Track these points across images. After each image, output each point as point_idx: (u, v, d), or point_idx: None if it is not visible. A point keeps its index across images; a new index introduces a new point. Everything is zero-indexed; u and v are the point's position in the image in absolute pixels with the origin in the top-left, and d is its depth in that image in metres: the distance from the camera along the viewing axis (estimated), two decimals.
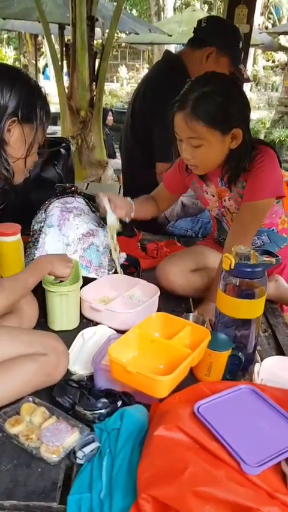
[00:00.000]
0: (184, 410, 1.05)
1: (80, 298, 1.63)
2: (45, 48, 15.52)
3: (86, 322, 1.66)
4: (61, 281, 1.52)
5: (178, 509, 0.84)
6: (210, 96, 1.50)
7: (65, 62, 5.45)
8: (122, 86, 16.78)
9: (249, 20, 3.06)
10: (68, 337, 1.52)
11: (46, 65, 16.28)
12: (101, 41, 5.84)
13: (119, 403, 1.18)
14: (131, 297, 1.72)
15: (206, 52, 2.24)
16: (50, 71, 13.60)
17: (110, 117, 7.37)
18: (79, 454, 1.05)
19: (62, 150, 2.44)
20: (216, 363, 1.31)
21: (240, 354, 1.33)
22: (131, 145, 2.46)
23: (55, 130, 6.18)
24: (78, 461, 1.05)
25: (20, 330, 1.31)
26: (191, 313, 1.57)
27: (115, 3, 5.51)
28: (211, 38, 2.23)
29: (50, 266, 1.42)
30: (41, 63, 16.29)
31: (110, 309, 1.59)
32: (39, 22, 5.53)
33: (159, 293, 1.68)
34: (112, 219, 1.79)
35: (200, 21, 2.32)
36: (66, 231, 1.83)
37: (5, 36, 18.78)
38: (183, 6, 18.76)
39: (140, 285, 1.76)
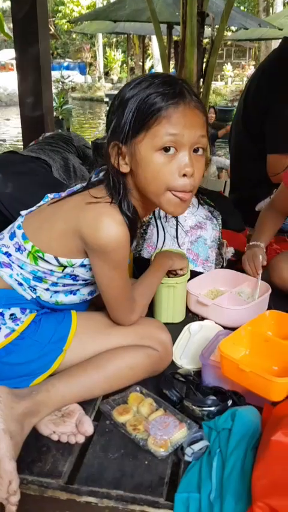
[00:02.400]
0: None
1: (187, 291, 1.59)
2: (151, 50, 15.79)
3: (191, 316, 1.61)
4: (177, 274, 1.51)
5: None
6: None
7: (171, 61, 5.46)
8: (226, 84, 16.54)
9: None
10: (172, 330, 1.49)
11: (152, 66, 16.56)
12: (208, 39, 5.76)
13: (229, 402, 1.11)
14: (239, 293, 1.65)
15: None
16: (157, 71, 13.80)
17: (212, 115, 7.23)
18: (188, 451, 1.00)
19: None
20: None
21: None
22: (241, 137, 2.37)
23: None
24: (187, 458, 1.01)
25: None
26: None
27: None
28: None
29: (171, 261, 1.44)
30: (147, 65, 16.60)
31: (217, 304, 1.54)
32: (150, 22, 5.59)
33: (270, 291, 1.59)
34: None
35: None
36: (175, 223, 1.79)
37: (114, 40, 19.42)
38: None
39: (249, 282, 1.68)
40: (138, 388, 1.19)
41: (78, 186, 1.17)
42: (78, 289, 1.22)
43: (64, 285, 1.18)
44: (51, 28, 15.35)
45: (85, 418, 1.08)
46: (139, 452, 1.04)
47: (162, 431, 1.04)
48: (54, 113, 6.64)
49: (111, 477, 0.98)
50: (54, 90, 9.39)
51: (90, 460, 1.02)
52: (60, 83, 11.53)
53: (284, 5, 17.47)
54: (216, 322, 1.52)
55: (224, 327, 1.47)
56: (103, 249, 1.05)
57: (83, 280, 1.18)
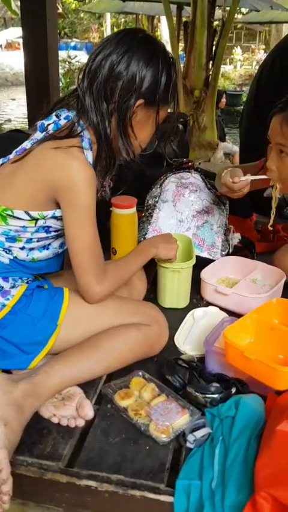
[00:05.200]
0: None
1: (202, 280, 1.57)
2: (160, 31, 15.53)
3: (196, 302, 1.59)
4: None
5: None
6: None
7: (180, 44, 5.36)
8: (235, 68, 16.30)
9: None
10: (176, 315, 1.48)
11: None
12: (219, 21, 5.66)
13: (233, 389, 1.10)
14: (254, 280, 1.62)
15: None
16: None
17: (223, 100, 7.15)
18: (190, 437, 0.99)
19: (179, 125, 2.37)
20: None
21: None
22: (253, 123, 2.33)
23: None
24: (189, 445, 0.99)
25: (124, 300, 1.30)
26: None
27: None
28: None
29: (155, 250, 1.40)
30: None
31: (238, 293, 1.50)
32: (159, 2, 5.49)
33: (285, 277, 1.56)
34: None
35: None
36: (181, 207, 1.77)
37: (122, 20, 19.13)
38: None
39: (259, 268, 1.65)
40: (140, 373, 1.17)
41: (28, 143, 1.17)
42: (50, 244, 1.21)
43: (38, 240, 1.17)
44: (58, 7, 15.09)
45: (86, 401, 1.07)
46: (140, 437, 1.03)
47: (164, 417, 1.03)
48: (61, 94, 6.57)
49: (112, 461, 0.97)
50: (61, 71, 9.27)
51: (90, 443, 1.01)
52: (67, 63, 11.37)
53: None
54: (234, 311, 1.48)
55: (230, 314, 1.45)
56: (74, 189, 1.07)
57: (55, 232, 1.18)
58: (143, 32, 1.18)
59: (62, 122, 1.14)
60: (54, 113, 1.16)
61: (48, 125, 1.14)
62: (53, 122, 1.14)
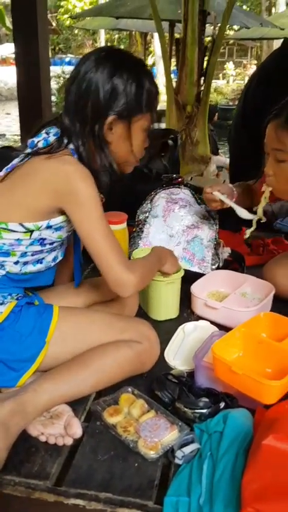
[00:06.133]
0: None
1: (192, 295, 1.58)
2: (154, 47, 15.74)
3: (186, 316, 1.60)
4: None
5: None
6: None
7: (173, 59, 5.44)
8: (227, 83, 16.51)
9: None
10: (167, 329, 1.48)
11: (154, 64, 16.51)
12: (210, 38, 5.75)
13: (222, 404, 1.10)
14: (243, 294, 1.63)
15: None
16: (158, 69, 13.77)
17: (216, 115, 7.26)
18: (178, 453, 0.99)
19: (169, 141, 2.41)
20: None
21: None
22: (241, 137, 2.36)
23: (161, 127, 6.19)
24: (177, 461, 0.99)
25: (116, 317, 1.30)
26: None
27: None
28: None
29: (165, 261, 1.43)
30: (149, 62, 16.56)
31: (227, 306, 1.51)
32: (152, 20, 5.57)
33: (274, 290, 1.57)
34: (243, 213, 1.66)
35: None
36: (171, 222, 1.79)
37: (116, 36, 19.38)
38: None
39: (249, 282, 1.66)
40: (130, 389, 1.17)
41: (18, 159, 1.18)
42: (44, 258, 1.21)
43: (33, 254, 1.17)
44: (52, 23, 15.28)
45: (74, 420, 1.06)
46: (129, 454, 1.02)
47: (153, 433, 1.03)
48: (55, 108, 6.61)
49: (100, 479, 0.97)
50: (55, 86, 9.33)
51: (79, 461, 1.01)
52: (62, 78, 11.48)
53: (287, 4, 17.41)
54: (225, 325, 1.48)
55: (220, 328, 1.45)
56: (75, 190, 1.09)
57: (50, 244, 1.18)
58: (109, 47, 1.22)
59: (51, 138, 1.16)
60: (44, 130, 1.18)
61: (38, 141, 1.16)
62: (43, 139, 1.16)
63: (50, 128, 1.19)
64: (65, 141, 1.13)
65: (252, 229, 1.68)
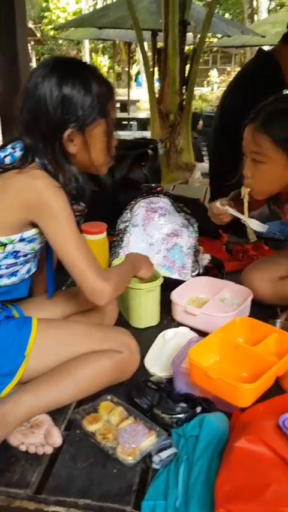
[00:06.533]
0: (268, 422, 0.97)
1: (172, 302, 1.61)
2: (138, 55, 15.86)
3: (167, 323, 1.63)
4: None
5: None
6: (284, 114, 1.41)
7: (156, 68, 5.50)
8: (212, 90, 16.65)
9: None
10: (148, 336, 1.50)
11: (138, 72, 16.64)
12: (192, 46, 5.83)
13: (199, 409, 1.12)
14: (222, 300, 1.66)
15: None
16: (143, 77, 13.86)
17: (200, 122, 7.34)
18: (155, 458, 1.01)
19: (149, 151, 2.44)
20: None
21: None
22: (220, 143, 2.40)
23: (145, 135, 6.25)
24: (154, 466, 1.01)
25: (95, 327, 1.32)
26: (278, 320, 1.48)
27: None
28: None
29: (140, 267, 1.45)
30: (133, 71, 16.67)
31: (206, 312, 1.54)
32: (133, 30, 5.64)
33: (252, 295, 1.61)
34: (254, 224, 1.65)
35: None
36: (151, 230, 1.81)
37: (101, 46, 19.48)
38: (278, 7, 18.23)
39: (228, 287, 1.69)
40: (109, 397, 1.19)
41: None
42: (18, 270, 1.22)
43: (7, 267, 1.18)
44: (37, 34, 15.32)
45: (54, 429, 1.08)
46: (108, 461, 1.05)
47: (131, 440, 1.05)
48: None
49: (80, 486, 0.99)
50: None
51: (59, 469, 1.03)
52: None
53: (269, 12, 17.66)
54: (204, 331, 1.50)
55: (199, 334, 1.48)
56: (47, 205, 1.11)
57: (23, 257, 1.20)
58: (55, 58, 1.19)
59: (18, 153, 1.16)
60: (10, 145, 1.18)
61: (4, 156, 1.16)
62: (9, 154, 1.16)
63: (16, 142, 1.18)
64: (30, 158, 1.14)
65: (251, 235, 1.72)
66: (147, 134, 6.25)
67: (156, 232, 1.81)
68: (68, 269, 1.17)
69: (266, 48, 2.56)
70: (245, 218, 1.64)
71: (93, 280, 1.15)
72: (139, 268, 1.44)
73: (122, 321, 1.58)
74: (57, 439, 1.06)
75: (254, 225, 1.65)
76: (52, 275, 1.35)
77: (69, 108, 1.11)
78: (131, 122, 9.78)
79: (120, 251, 1.79)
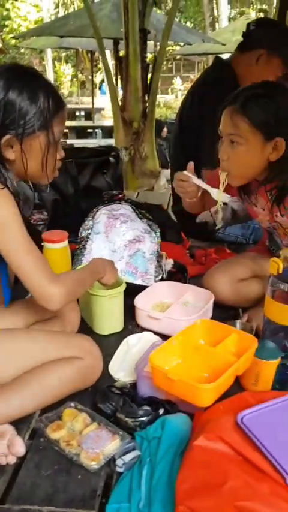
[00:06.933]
0: (227, 420, 1.00)
1: (134, 307, 1.62)
2: (102, 63, 15.91)
3: (131, 329, 1.64)
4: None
5: None
6: (263, 98, 1.44)
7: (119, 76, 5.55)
8: (176, 97, 16.85)
9: None
10: (112, 342, 1.52)
11: (103, 80, 16.66)
12: (154, 54, 5.91)
13: (161, 411, 1.14)
14: (185, 303, 1.69)
15: (256, 54, 2.18)
16: (107, 86, 13.91)
17: (164, 129, 7.43)
18: (118, 462, 1.02)
19: (111, 159, 2.47)
20: (263, 372, 1.24)
21: None
22: (179, 153, 2.44)
23: (111, 143, 6.28)
24: (118, 469, 1.03)
25: (56, 334, 1.32)
26: (237, 320, 1.52)
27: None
28: (260, 40, 2.18)
29: (103, 273, 1.44)
30: (97, 79, 16.69)
31: (169, 316, 1.56)
32: (94, 38, 5.67)
33: (213, 298, 1.64)
34: (223, 196, 1.61)
35: (249, 25, 2.28)
36: (113, 237, 1.83)
37: (64, 54, 19.44)
38: (238, 15, 18.64)
39: (190, 291, 1.72)
40: (72, 404, 1.20)
41: None
42: None
43: None
44: None
45: (16, 439, 1.08)
46: (72, 467, 1.05)
47: (95, 445, 1.06)
48: None
49: (44, 494, 0.99)
50: None
51: (22, 478, 1.03)
52: None
53: (229, 20, 18.02)
54: (168, 335, 1.50)
55: (163, 338, 1.50)
56: None
57: None
58: (6, 66, 1.18)
59: None
60: None
61: None
62: None
63: None
64: None
65: (220, 216, 1.69)
66: (112, 142, 6.28)
67: (118, 239, 1.83)
68: (17, 275, 1.16)
69: (224, 56, 2.62)
70: (208, 188, 1.62)
71: (43, 284, 1.14)
72: (103, 274, 1.44)
73: (86, 328, 1.59)
74: (19, 448, 1.06)
75: (224, 197, 1.63)
76: (7, 284, 1.34)
77: (11, 114, 1.10)
78: (96, 130, 9.79)
79: (83, 259, 1.80)
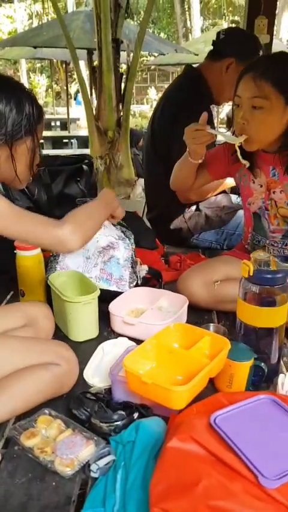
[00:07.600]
0: (200, 421, 1.01)
1: (109, 313, 1.62)
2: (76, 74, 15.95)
3: (106, 335, 1.64)
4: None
5: None
6: (283, 64, 1.52)
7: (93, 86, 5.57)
8: (151, 107, 17.00)
9: (269, 30, 3.04)
10: (87, 349, 1.51)
11: (78, 91, 16.70)
12: (128, 63, 5.96)
13: (135, 415, 1.14)
14: (159, 308, 1.70)
15: (226, 63, 2.23)
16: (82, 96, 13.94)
17: (142, 141, 7.50)
18: (93, 467, 1.02)
19: (84, 166, 2.47)
20: (237, 374, 1.26)
21: (263, 364, 1.28)
22: (151, 159, 2.46)
23: (86, 153, 6.28)
24: (93, 474, 1.02)
25: (32, 340, 1.32)
26: (211, 324, 1.53)
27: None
28: (229, 49, 2.23)
29: (117, 203, 1.48)
30: (72, 89, 16.73)
31: (143, 321, 1.56)
32: (67, 48, 5.69)
33: (187, 302, 1.65)
34: (231, 137, 1.64)
35: (218, 33, 2.32)
36: (87, 244, 1.83)
37: (38, 65, 19.45)
38: (211, 26, 18.96)
39: (165, 296, 1.73)
40: (47, 411, 1.19)
41: None
42: None
43: None
44: None
45: None
46: (47, 474, 1.04)
47: (69, 451, 1.06)
48: None
49: (17, 502, 0.98)
50: None
51: None
52: None
53: (202, 31, 18.32)
54: (143, 340, 1.51)
55: (138, 343, 1.50)
56: None
57: None
58: None
59: None
60: None
61: None
62: None
63: None
64: None
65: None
66: (87, 152, 6.29)
67: (92, 246, 1.83)
68: (26, 241, 1.26)
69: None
70: (222, 134, 1.70)
71: (48, 232, 1.18)
72: (117, 204, 1.46)
73: (61, 336, 1.58)
74: None
75: (237, 139, 1.61)
76: None
77: (0, 122, 1.16)
78: (72, 140, 9.80)
79: (57, 266, 1.79)
